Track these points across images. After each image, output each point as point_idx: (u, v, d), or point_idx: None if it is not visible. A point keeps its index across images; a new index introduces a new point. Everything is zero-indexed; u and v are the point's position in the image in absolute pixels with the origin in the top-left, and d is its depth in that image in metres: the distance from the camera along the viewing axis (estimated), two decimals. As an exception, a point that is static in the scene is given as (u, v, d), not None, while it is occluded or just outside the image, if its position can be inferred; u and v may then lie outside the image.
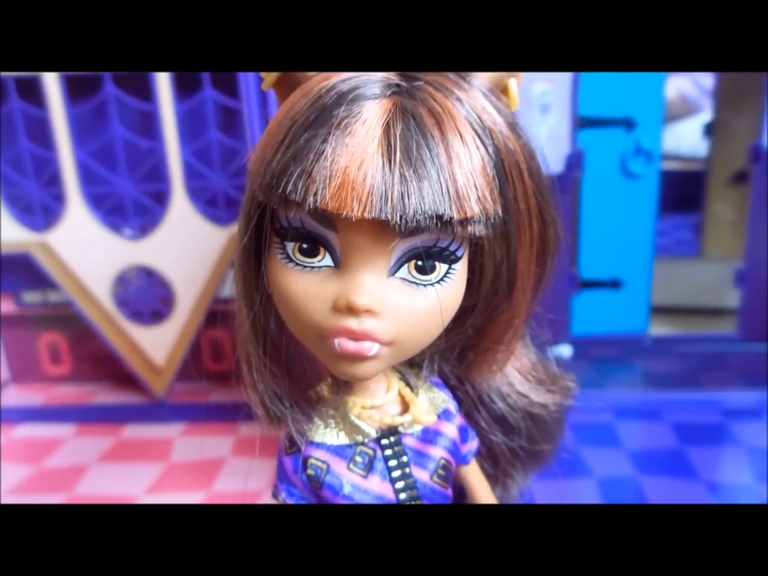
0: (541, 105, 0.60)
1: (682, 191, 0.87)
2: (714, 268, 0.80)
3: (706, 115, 0.95)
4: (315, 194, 0.25)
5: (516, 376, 0.36)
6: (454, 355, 0.35)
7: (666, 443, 0.59)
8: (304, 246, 0.28)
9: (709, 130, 0.85)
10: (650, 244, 0.69)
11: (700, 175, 0.86)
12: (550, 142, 0.60)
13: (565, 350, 0.68)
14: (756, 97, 0.68)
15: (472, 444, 0.36)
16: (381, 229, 0.26)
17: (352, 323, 0.27)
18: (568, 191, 0.63)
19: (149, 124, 0.61)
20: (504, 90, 0.30)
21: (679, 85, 1.00)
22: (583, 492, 0.53)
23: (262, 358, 0.31)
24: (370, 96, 0.26)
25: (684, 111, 0.99)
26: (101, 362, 0.71)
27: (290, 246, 0.28)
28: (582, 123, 0.63)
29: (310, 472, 0.32)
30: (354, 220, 0.25)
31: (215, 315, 0.64)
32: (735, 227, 0.81)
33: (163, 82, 0.58)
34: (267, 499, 0.52)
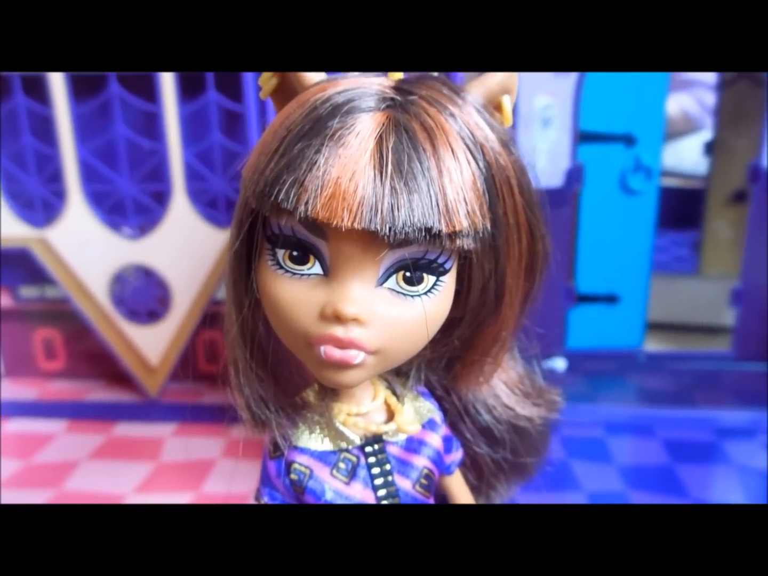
0: (542, 119, 0.60)
1: (681, 208, 0.87)
2: (711, 286, 0.80)
3: (706, 133, 0.95)
4: (306, 203, 0.26)
5: (502, 388, 0.37)
6: (441, 366, 0.35)
7: (657, 460, 0.59)
8: (294, 253, 0.28)
9: (710, 148, 0.85)
10: (647, 260, 0.69)
11: (699, 193, 0.86)
12: (551, 156, 0.61)
13: (560, 363, 0.68)
14: (756, 116, 0.68)
15: (456, 454, 0.36)
16: (370, 240, 0.26)
17: (338, 331, 0.28)
18: (567, 205, 0.63)
19: (152, 125, 0.62)
20: (497, 107, 0.30)
21: (681, 102, 1.00)
22: (572, 505, 0.53)
23: (249, 362, 0.31)
24: (364, 109, 0.27)
25: (685, 128, 1.00)
26: (95, 359, 0.71)
27: (281, 253, 0.28)
28: (583, 138, 0.64)
29: (293, 476, 0.32)
30: (344, 230, 0.26)
31: (211, 316, 0.64)
32: (733, 246, 0.81)
33: (167, 83, 0.59)
34: (252, 502, 0.52)
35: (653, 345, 0.74)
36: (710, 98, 0.97)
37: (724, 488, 0.56)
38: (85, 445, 0.62)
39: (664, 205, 0.69)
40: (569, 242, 0.67)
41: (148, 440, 0.63)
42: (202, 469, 0.58)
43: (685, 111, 1.00)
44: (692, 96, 1.00)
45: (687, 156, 0.97)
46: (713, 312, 0.78)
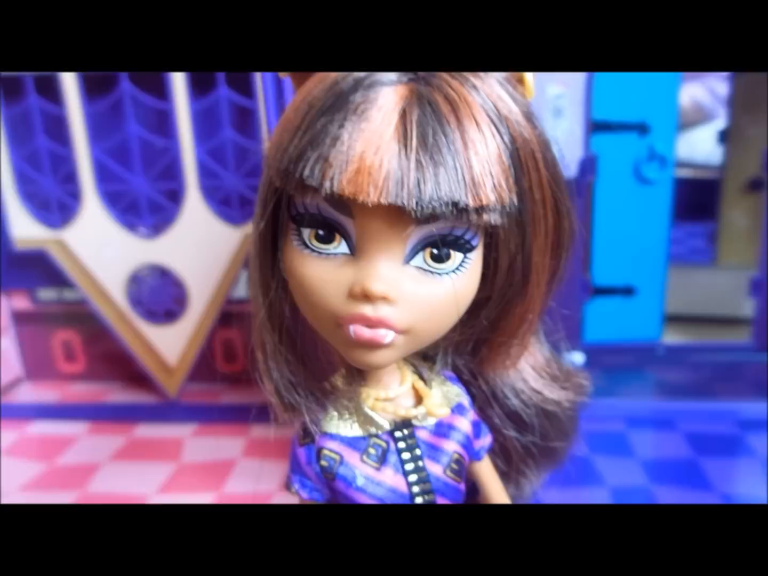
0: (554, 108, 0.60)
1: (696, 199, 0.86)
2: (728, 276, 0.79)
3: (720, 123, 0.95)
4: (331, 179, 0.25)
5: (530, 372, 0.36)
6: (468, 349, 0.35)
7: (679, 453, 0.58)
8: (320, 232, 0.28)
9: (724, 137, 0.84)
10: (664, 251, 0.68)
11: (714, 183, 0.85)
12: (563, 146, 0.60)
13: (578, 357, 0.68)
14: (771, 104, 0.68)
15: (485, 440, 0.36)
16: (397, 216, 0.26)
17: (367, 310, 0.27)
18: (582, 196, 0.63)
19: (164, 123, 0.62)
20: (520, 80, 0.30)
21: (694, 92, 1.00)
22: (595, 500, 0.52)
23: (278, 345, 0.31)
24: (386, 82, 0.27)
25: (698, 118, 0.99)
26: (114, 361, 0.71)
27: (306, 232, 0.28)
28: (595, 127, 0.63)
29: (323, 463, 0.32)
30: (370, 205, 0.25)
31: (228, 315, 0.64)
32: (749, 235, 0.80)
33: (178, 80, 0.59)
34: (278, 500, 0.52)
35: (672, 337, 0.73)
36: (722, 88, 0.96)
37: (749, 481, 0.55)
38: (107, 447, 0.62)
39: (679, 196, 0.68)
40: (584, 234, 0.66)
41: (168, 441, 0.63)
42: (223, 469, 0.58)
43: (697, 101, 0.99)
44: (704, 86, 0.99)
45: (700, 146, 0.97)
46: (731, 303, 0.77)
